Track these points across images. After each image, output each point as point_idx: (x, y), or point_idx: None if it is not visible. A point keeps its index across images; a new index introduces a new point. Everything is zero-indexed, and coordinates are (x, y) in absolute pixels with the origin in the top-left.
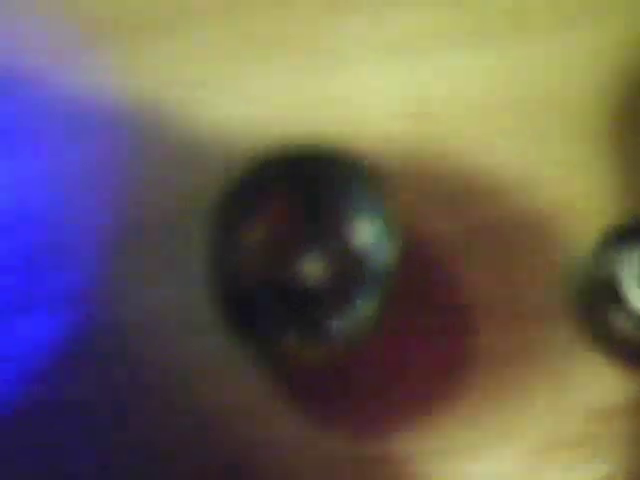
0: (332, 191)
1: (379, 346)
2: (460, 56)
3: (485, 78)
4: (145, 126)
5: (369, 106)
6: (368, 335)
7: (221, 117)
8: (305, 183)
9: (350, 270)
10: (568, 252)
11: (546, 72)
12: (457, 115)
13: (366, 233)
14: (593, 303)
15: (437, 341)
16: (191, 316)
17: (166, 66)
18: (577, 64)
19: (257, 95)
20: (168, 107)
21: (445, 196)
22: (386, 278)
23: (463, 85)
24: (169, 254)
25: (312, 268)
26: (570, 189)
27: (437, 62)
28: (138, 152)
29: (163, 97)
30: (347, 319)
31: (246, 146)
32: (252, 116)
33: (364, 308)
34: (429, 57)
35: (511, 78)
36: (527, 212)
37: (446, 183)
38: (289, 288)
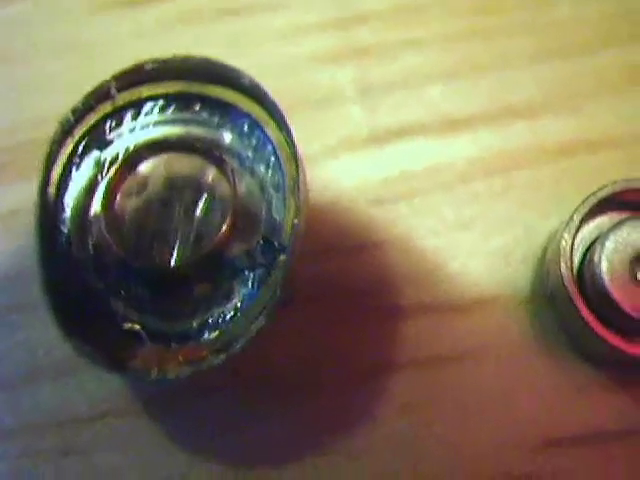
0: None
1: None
2: None
3: None
4: None
5: None
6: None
7: None
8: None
9: (233, 245)
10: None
11: None
12: None
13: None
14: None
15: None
16: None
17: None
18: None
19: None
20: None
21: None
22: (288, 253)
23: None
24: None
25: (174, 246)
26: None
27: None
28: None
29: None
30: (231, 315)
31: None
32: None
33: (257, 299)
34: None
35: None
36: None
37: None
38: (142, 275)
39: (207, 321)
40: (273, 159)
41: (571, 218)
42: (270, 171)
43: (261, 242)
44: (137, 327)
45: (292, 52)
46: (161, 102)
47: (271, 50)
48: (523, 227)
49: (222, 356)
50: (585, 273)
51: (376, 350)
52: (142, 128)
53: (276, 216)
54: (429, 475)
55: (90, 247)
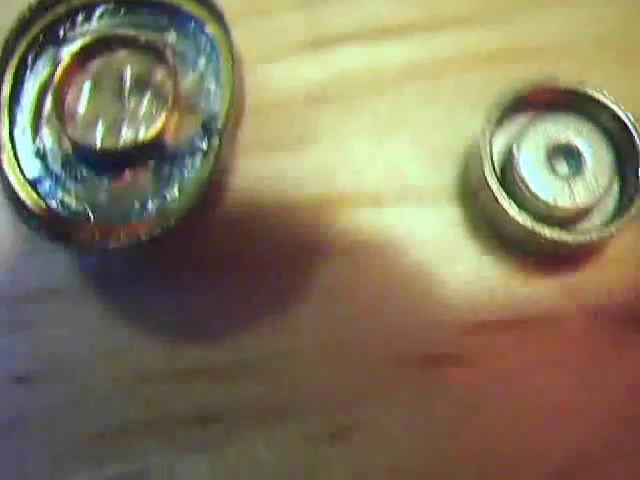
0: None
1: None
2: None
3: None
4: None
5: None
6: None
7: None
8: None
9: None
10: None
11: None
12: None
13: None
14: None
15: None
16: None
17: None
18: None
19: None
20: None
21: None
22: (222, 136)
23: None
24: None
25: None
26: None
27: None
28: None
29: None
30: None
31: None
32: None
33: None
34: None
35: None
36: None
37: None
38: (90, 159)
39: (147, 204)
40: (213, 55)
41: (491, 112)
42: (210, 66)
43: (200, 129)
44: (83, 206)
45: None
46: (112, 6)
47: None
48: (451, 129)
49: (159, 230)
50: (506, 167)
51: (304, 237)
52: (94, 31)
53: (215, 108)
54: (351, 350)
55: (44, 134)
